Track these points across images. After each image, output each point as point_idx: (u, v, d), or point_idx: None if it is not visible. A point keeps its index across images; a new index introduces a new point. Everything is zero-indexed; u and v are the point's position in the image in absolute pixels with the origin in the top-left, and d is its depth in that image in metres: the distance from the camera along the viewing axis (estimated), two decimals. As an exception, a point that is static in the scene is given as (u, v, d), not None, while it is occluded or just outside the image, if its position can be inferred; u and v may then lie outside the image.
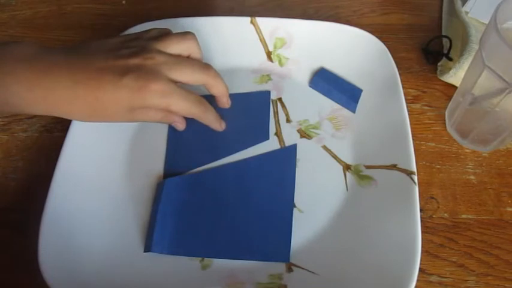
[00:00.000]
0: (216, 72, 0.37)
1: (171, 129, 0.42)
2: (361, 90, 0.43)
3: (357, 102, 0.43)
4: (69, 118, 0.34)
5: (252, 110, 0.43)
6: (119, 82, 0.32)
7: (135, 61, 0.33)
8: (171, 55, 0.35)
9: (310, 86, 0.45)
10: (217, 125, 0.40)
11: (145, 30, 0.37)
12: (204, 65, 0.37)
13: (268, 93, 0.44)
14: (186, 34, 0.37)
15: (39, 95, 0.31)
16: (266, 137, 0.41)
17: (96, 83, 0.32)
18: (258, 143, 0.41)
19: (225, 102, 0.40)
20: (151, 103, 0.33)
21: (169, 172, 0.40)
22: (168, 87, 0.33)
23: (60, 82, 0.32)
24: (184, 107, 0.35)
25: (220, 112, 0.42)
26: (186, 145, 0.41)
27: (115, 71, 0.32)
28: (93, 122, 0.35)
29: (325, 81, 0.44)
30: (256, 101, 0.44)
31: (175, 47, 0.36)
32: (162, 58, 0.34)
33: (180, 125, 0.39)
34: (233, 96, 0.42)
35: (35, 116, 0.45)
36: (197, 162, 0.40)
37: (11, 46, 0.32)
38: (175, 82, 0.35)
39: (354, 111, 0.43)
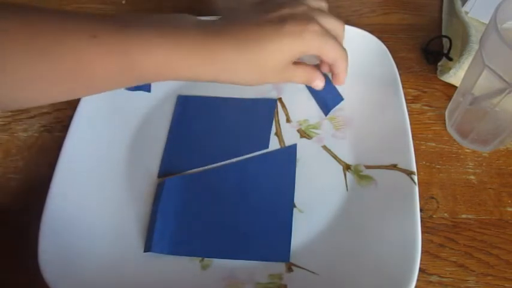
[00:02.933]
0: (344, 28, 0.38)
1: (172, 130, 0.42)
2: (342, 99, 0.43)
3: (332, 108, 0.43)
4: (232, 81, 0.34)
5: (256, 117, 0.43)
6: (280, 30, 0.33)
7: (285, 11, 0.34)
8: (310, 6, 0.36)
9: None
10: (345, 76, 0.39)
11: None
12: (336, 18, 0.38)
13: (274, 101, 0.44)
14: None
15: (208, 57, 0.32)
16: (266, 145, 0.41)
17: (258, 36, 0.33)
18: (256, 150, 0.41)
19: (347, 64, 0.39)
20: (311, 44, 0.34)
21: (164, 172, 0.40)
22: (322, 28, 0.34)
23: (226, 42, 0.33)
24: (335, 47, 0.36)
25: (223, 117, 0.42)
26: (184, 148, 0.41)
27: (273, 22, 0.33)
28: (250, 85, 0.35)
29: None
30: (261, 108, 0.43)
31: (313, 2, 0.37)
32: (306, 7, 0.35)
33: (321, 84, 0.39)
34: (238, 101, 0.42)
35: (35, 116, 0.45)
36: (193, 165, 0.40)
37: (178, 15, 0.34)
38: None
39: (326, 114, 0.43)
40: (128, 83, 0.33)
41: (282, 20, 0.33)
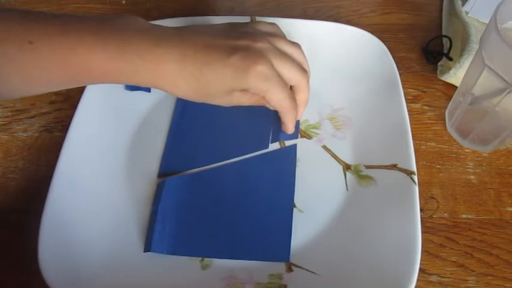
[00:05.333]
0: (309, 79, 0.36)
1: (172, 130, 0.42)
2: (296, 137, 0.41)
3: (282, 140, 0.41)
4: (172, 93, 0.34)
5: (256, 117, 0.42)
6: (226, 60, 0.32)
7: (243, 42, 0.33)
8: (276, 45, 0.35)
9: None
10: (292, 126, 0.39)
11: (255, 22, 0.37)
12: (304, 68, 0.36)
13: None
14: (294, 42, 0.37)
15: (151, 65, 0.32)
16: (266, 145, 0.41)
17: (204, 59, 0.32)
18: (256, 150, 0.41)
19: (301, 114, 0.39)
20: (252, 85, 0.33)
21: (164, 172, 0.40)
22: (271, 72, 0.33)
23: (171, 54, 0.32)
24: (280, 96, 0.34)
25: (223, 117, 0.42)
26: (184, 148, 0.41)
27: (223, 49, 0.33)
28: (192, 100, 0.35)
29: None
30: (261, 107, 0.43)
31: (282, 44, 0.35)
32: (269, 45, 0.34)
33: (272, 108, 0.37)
34: None
35: (35, 116, 0.45)
36: (193, 165, 0.40)
37: (126, 18, 0.33)
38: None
39: (272, 141, 0.41)
40: (69, 85, 0.33)
41: (232, 50, 0.32)
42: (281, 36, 0.37)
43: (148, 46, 0.32)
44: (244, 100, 0.35)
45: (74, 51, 0.30)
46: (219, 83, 0.33)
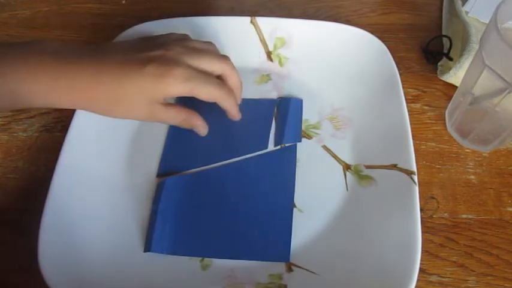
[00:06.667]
0: (232, 64, 0.38)
1: (171, 130, 0.42)
2: (299, 141, 0.41)
3: (286, 144, 0.41)
4: (90, 110, 0.35)
5: (256, 117, 0.42)
6: (141, 70, 0.33)
7: (156, 52, 0.35)
8: (190, 47, 0.36)
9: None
10: (236, 111, 0.39)
11: (167, 34, 0.39)
12: (222, 55, 0.38)
13: (274, 101, 0.44)
14: (206, 41, 0.39)
15: (65, 84, 0.33)
16: (265, 146, 0.41)
17: (119, 71, 0.33)
18: (256, 151, 0.41)
19: (239, 96, 0.40)
20: (174, 89, 0.34)
21: (163, 172, 0.40)
22: (189, 71, 0.34)
23: (85, 71, 0.33)
24: (207, 89, 0.35)
25: (223, 117, 0.42)
26: (183, 147, 0.41)
27: (138, 61, 0.34)
28: (113, 117, 0.36)
29: (289, 110, 0.43)
30: (261, 108, 0.43)
31: (194, 43, 0.37)
32: (182, 49, 0.36)
33: (202, 129, 0.40)
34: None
35: (35, 116, 0.45)
36: (193, 165, 0.40)
37: (36, 42, 0.34)
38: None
39: (274, 145, 0.41)
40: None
41: (147, 61, 0.34)
42: (192, 39, 0.38)
43: (61, 66, 0.33)
44: (170, 116, 0.36)
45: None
46: (138, 94, 0.34)
